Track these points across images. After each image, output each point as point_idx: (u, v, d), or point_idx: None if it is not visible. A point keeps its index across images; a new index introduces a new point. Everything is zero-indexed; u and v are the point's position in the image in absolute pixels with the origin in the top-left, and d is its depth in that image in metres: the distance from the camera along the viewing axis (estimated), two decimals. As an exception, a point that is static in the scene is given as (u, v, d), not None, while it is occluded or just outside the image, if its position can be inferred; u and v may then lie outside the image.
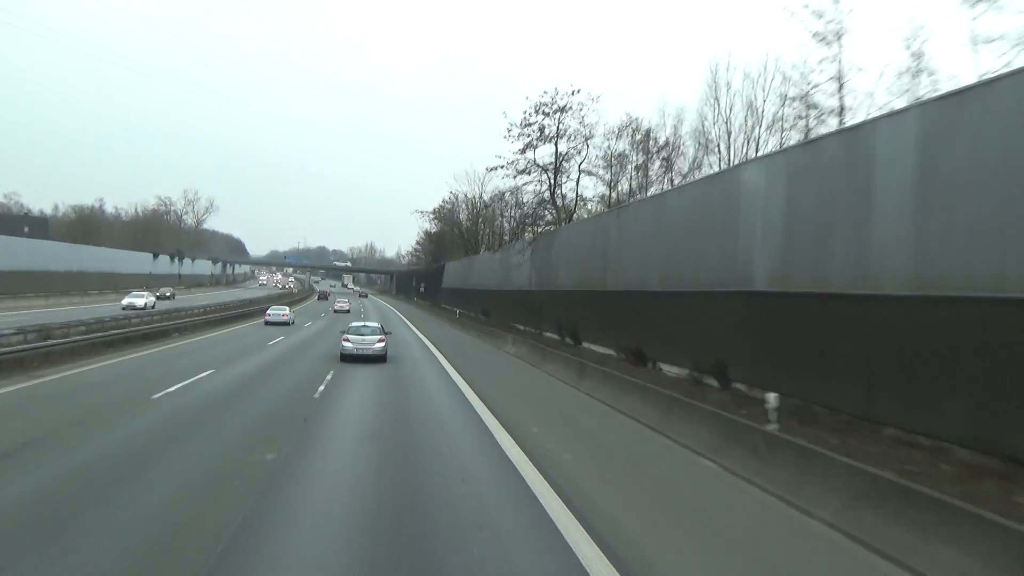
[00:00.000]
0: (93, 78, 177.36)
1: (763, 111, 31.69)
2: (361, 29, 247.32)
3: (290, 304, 51.07)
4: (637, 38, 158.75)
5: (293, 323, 37.77)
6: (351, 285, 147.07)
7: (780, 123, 30.35)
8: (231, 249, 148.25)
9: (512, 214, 51.37)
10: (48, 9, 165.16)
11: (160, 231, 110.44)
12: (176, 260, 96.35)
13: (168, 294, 62.46)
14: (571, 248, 28.27)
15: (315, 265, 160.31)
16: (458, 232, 70.37)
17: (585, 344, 23.32)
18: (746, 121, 32.40)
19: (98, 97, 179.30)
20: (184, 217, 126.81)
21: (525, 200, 40.62)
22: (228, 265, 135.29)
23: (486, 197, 60.20)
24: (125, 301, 43.31)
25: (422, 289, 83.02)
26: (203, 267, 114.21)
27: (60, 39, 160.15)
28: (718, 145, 33.72)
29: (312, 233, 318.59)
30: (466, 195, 67.55)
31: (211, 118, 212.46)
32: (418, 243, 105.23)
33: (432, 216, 75.30)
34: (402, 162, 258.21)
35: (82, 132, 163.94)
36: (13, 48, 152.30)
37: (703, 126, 34.59)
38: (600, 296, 23.16)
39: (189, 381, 14.62)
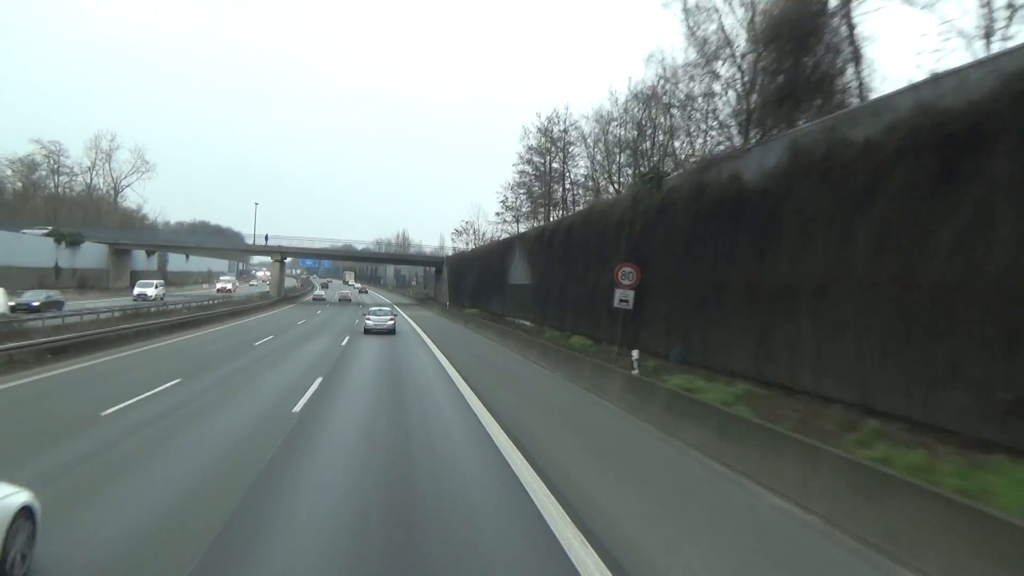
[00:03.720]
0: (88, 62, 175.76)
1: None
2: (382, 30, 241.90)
3: None
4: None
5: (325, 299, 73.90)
6: (351, 281, 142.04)
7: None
8: (222, 239, 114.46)
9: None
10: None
11: (20, 199, 67.39)
12: None
13: None
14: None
15: (298, 250, 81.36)
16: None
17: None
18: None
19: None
20: (83, 178, 78.29)
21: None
22: (163, 253, 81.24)
23: None
24: None
25: (584, 295, 23.11)
26: (35, 252, 54.07)
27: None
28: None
29: (341, 231, 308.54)
30: None
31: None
32: (529, 155, 45.44)
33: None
34: (439, 156, 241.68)
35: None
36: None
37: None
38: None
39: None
